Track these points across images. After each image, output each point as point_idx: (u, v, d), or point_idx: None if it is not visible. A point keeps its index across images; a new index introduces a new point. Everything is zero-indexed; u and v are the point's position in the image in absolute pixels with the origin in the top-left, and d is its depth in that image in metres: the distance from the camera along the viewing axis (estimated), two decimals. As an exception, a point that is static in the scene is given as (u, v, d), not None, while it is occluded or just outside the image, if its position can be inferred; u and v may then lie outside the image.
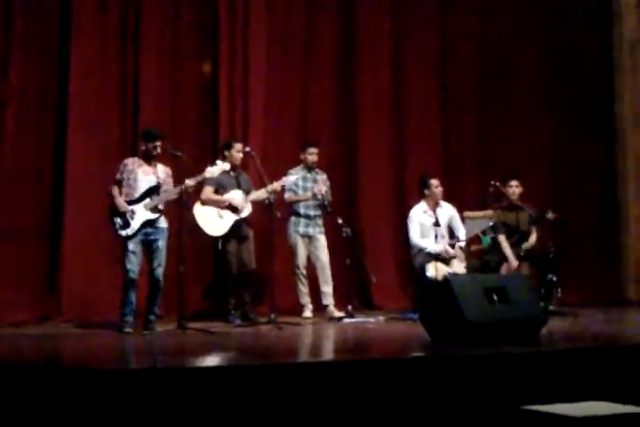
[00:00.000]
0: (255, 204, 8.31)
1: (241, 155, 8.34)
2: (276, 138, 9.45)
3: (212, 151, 8.97)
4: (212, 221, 8.18)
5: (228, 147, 8.38)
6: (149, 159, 7.53)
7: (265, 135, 9.30)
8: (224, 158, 8.32)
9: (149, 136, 7.53)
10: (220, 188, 8.26)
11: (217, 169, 7.66)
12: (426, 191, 8.85)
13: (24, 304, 8.17)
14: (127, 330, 7.25)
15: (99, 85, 8.68)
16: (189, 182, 7.40)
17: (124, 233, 7.35)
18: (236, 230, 8.22)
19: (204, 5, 9.27)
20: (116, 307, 7.87)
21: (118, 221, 7.38)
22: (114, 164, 8.06)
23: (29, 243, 8.37)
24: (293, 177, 8.55)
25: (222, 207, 8.21)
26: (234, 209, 8.23)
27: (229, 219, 8.21)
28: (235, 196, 8.25)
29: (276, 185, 8.29)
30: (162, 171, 7.57)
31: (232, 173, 8.31)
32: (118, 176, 7.51)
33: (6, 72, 8.35)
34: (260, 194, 8.20)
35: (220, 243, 8.23)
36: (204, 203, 8.23)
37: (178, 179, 7.52)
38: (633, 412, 4.47)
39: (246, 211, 8.24)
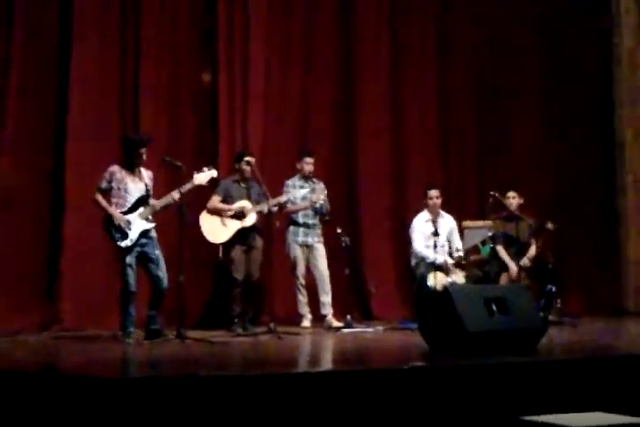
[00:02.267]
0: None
1: (248, 167, 8.29)
2: (275, 146, 9.46)
3: (211, 159, 8.98)
4: (215, 228, 8.19)
5: (239, 159, 8.38)
6: (135, 167, 7.36)
7: (264, 143, 9.31)
8: (236, 170, 8.34)
9: (135, 143, 7.32)
10: (228, 197, 8.26)
11: (204, 176, 7.50)
12: (424, 201, 8.91)
13: (23, 312, 8.16)
14: (130, 341, 7.16)
15: (98, 92, 8.68)
16: (175, 194, 7.32)
17: (123, 244, 7.21)
18: (243, 239, 8.21)
19: (203, 12, 9.28)
20: (114, 316, 7.87)
21: (115, 232, 7.23)
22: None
23: (29, 251, 8.37)
24: (299, 192, 8.55)
25: (227, 216, 8.21)
26: (238, 218, 8.22)
27: (233, 227, 8.20)
28: (241, 205, 8.24)
29: (283, 198, 8.31)
30: (147, 176, 7.41)
31: (242, 184, 8.31)
32: (105, 185, 7.31)
33: (6, 80, 8.36)
34: (263, 207, 8.17)
35: (221, 251, 8.24)
36: (209, 211, 8.23)
37: (175, 188, 7.46)
38: (631, 423, 4.46)
39: (250, 220, 8.23)
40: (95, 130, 8.62)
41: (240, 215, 8.21)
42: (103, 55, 8.75)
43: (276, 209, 8.15)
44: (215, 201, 8.27)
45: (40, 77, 8.53)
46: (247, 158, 8.34)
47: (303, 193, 8.59)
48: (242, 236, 8.22)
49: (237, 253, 8.22)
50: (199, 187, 7.52)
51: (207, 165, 7.67)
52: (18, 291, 8.23)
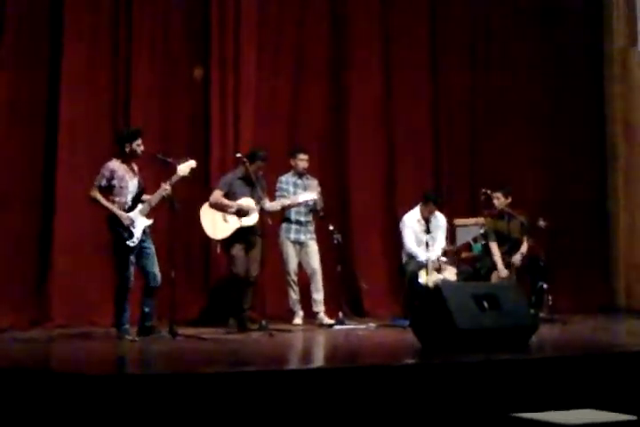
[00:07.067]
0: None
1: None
2: (267, 143, 9.42)
3: (204, 156, 8.96)
4: (216, 224, 8.12)
5: (254, 157, 8.30)
6: (131, 160, 7.31)
7: (255, 141, 9.29)
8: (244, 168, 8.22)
9: (133, 135, 7.26)
10: (231, 193, 8.20)
11: (185, 166, 7.41)
12: (425, 204, 8.88)
13: (13, 308, 8.16)
14: (130, 338, 7.10)
15: (90, 91, 8.69)
16: (167, 186, 7.27)
17: (132, 244, 7.13)
18: (243, 237, 8.15)
19: (194, 11, 9.27)
20: (105, 312, 7.87)
21: (123, 232, 7.13)
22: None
23: (19, 247, 8.37)
24: (302, 197, 8.47)
25: (229, 212, 8.18)
26: (240, 215, 8.17)
27: (233, 225, 8.15)
28: (245, 202, 8.20)
29: (287, 201, 8.35)
30: (137, 170, 7.36)
31: (247, 181, 8.23)
32: (104, 183, 7.20)
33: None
34: (264, 206, 8.16)
35: (219, 247, 8.20)
36: (212, 205, 8.18)
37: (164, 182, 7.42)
38: (621, 420, 4.48)
39: (252, 219, 8.16)
40: (87, 128, 8.62)
41: (242, 213, 8.17)
42: (95, 53, 8.74)
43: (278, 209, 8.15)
44: (218, 195, 8.15)
45: (31, 76, 8.51)
46: (238, 154, 8.32)
47: (299, 193, 8.59)
48: (243, 234, 8.16)
49: (238, 250, 8.15)
50: (185, 180, 7.48)
51: (186, 157, 7.61)
52: (8, 287, 8.23)
